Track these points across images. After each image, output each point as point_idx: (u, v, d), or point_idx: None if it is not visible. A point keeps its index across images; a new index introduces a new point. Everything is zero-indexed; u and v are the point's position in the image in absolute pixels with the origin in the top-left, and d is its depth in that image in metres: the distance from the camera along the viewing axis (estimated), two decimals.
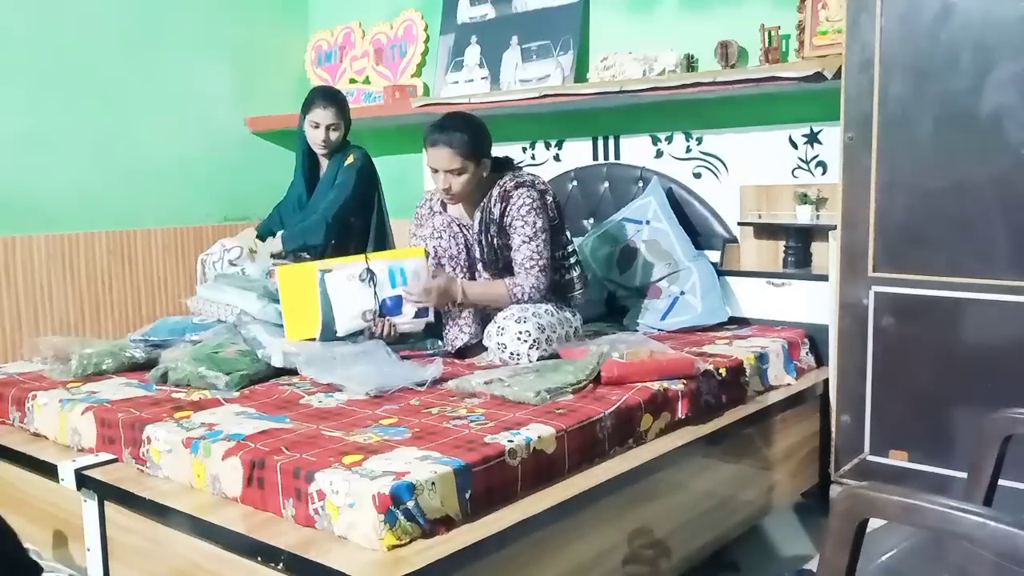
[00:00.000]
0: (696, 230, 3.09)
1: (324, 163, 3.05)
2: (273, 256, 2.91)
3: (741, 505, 2.30)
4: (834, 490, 2.45)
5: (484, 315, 2.46)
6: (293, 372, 2.28)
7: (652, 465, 1.92)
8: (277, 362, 2.26)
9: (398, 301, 2.38)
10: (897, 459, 2.31)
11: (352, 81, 4.14)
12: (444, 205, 2.58)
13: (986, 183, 2.12)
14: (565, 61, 3.37)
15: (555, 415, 1.86)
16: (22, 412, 2.17)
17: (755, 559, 2.37)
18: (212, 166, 3.94)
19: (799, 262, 2.88)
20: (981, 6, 2.09)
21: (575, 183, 3.41)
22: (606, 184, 3.33)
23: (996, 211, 2.11)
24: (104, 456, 1.91)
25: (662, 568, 1.99)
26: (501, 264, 2.46)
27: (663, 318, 2.87)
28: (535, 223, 2.42)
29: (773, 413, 2.40)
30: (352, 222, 2.97)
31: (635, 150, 3.28)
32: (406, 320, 2.40)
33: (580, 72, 3.35)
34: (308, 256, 2.88)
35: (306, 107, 2.96)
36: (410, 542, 1.45)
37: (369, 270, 2.22)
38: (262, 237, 3.05)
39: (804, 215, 2.81)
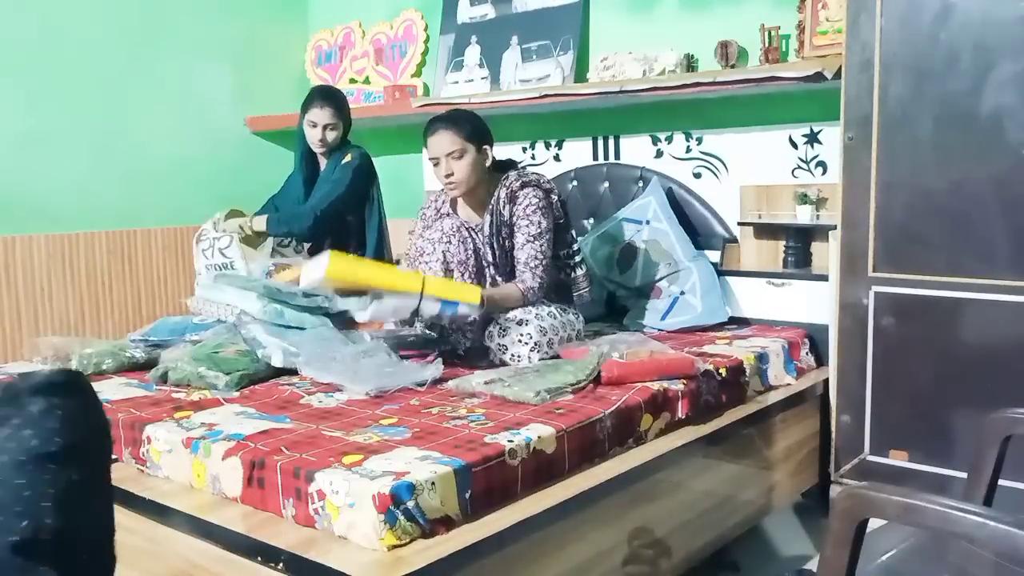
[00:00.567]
0: (696, 230, 3.09)
1: (323, 162, 3.06)
2: (256, 233, 2.92)
3: (741, 505, 2.30)
4: (834, 490, 2.45)
5: (486, 318, 2.45)
6: (293, 372, 2.28)
7: (652, 465, 1.92)
8: (277, 362, 2.26)
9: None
10: (897, 459, 2.30)
11: (352, 81, 4.14)
12: (454, 206, 2.58)
13: (986, 183, 2.12)
14: (565, 61, 3.37)
15: (555, 415, 1.86)
16: None
17: (755, 559, 2.37)
18: (212, 166, 3.94)
19: (799, 262, 2.88)
20: (981, 6, 2.09)
21: (575, 183, 3.41)
22: (606, 184, 3.33)
23: (996, 211, 2.11)
24: None
25: (662, 568, 1.99)
26: (510, 268, 2.45)
27: (663, 318, 2.87)
28: (540, 223, 2.42)
29: (773, 413, 2.40)
30: (349, 220, 2.98)
31: (635, 150, 3.28)
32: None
33: (580, 72, 3.35)
34: (293, 244, 2.89)
35: (305, 106, 2.98)
36: (410, 542, 1.45)
37: (417, 313, 2.02)
38: None
39: (804, 215, 2.81)
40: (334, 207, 2.91)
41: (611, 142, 3.34)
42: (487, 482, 1.59)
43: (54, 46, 3.40)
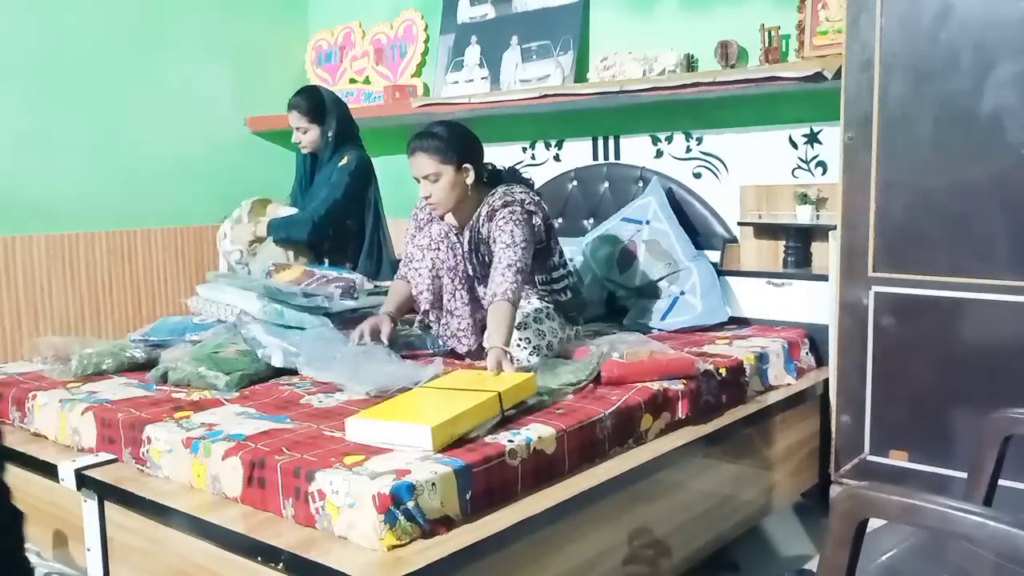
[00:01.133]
0: (696, 230, 3.09)
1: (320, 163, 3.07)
2: (259, 240, 2.94)
3: (741, 505, 2.30)
4: (834, 490, 2.45)
5: (483, 324, 2.41)
6: (293, 372, 2.28)
7: (652, 465, 1.92)
8: (277, 362, 2.26)
9: None
10: (897, 459, 2.30)
11: (352, 81, 4.14)
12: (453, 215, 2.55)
13: (986, 183, 2.12)
14: (565, 61, 3.37)
15: (555, 415, 1.86)
16: (22, 412, 2.17)
17: (755, 559, 2.37)
18: (212, 166, 3.94)
19: (799, 262, 2.88)
20: (981, 6, 2.09)
21: (575, 183, 3.41)
22: (606, 184, 3.33)
23: (996, 211, 2.11)
24: (104, 456, 1.91)
25: (662, 568, 1.99)
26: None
27: (663, 318, 2.87)
28: (513, 232, 2.27)
29: (773, 413, 2.39)
30: (348, 223, 2.98)
31: (635, 150, 3.28)
32: None
33: (580, 72, 3.35)
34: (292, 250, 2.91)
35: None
36: (410, 542, 1.45)
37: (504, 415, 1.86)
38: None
39: (804, 215, 2.81)
40: (331, 212, 2.92)
41: (611, 142, 3.34)
42: (487, 482, 1.59)
43: (54, 46, 3.40)
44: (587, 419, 1.86)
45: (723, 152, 3.08)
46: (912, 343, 2.27)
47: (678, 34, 3.14)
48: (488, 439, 1.69)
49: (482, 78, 3.62)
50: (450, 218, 2.49)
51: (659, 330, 2.83)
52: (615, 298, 3.08)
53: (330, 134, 2.99)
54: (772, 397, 2.44)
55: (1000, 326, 2.12)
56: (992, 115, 2.09)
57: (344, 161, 2.96)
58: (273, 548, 1.46)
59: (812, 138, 2.87)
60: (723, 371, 2.29)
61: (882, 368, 2.32)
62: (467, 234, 2.41)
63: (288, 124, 3.02)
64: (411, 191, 3.94)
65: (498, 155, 3.16)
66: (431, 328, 2.51)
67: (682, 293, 2.89)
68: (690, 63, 3.04)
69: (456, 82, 3.70)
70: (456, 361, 2.41)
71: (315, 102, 2.99)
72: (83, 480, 1.83)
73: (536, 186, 2.60)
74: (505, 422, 1.79)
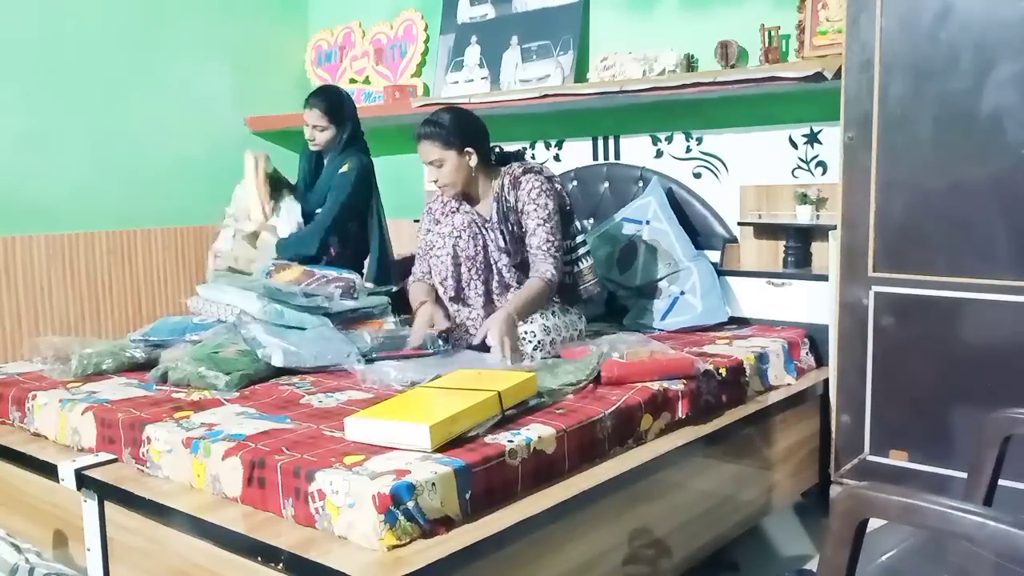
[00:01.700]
0: (696, 230, 3.09)
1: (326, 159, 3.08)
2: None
3: (741, 505, 2.30)
4: (834, 490, 2.45)
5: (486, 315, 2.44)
6: (293, 372, 2.28)
7: (652, 465, 1.92)
8: (277, 362, 2.26)
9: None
10: (897, 459, 2.31)
11: (352, 81, 4.14)
12: (465, 200, 2.59)
13: (986, 183, 2.12)
14: (565, 61, 3.37)
15: (555, 415, 1.86)
16: (22, 412, 2.17)
17: (755, 559, 2.37)
18: (212, 166, 3.93)
19: (799, 262, 2.88)
20: (981, 6, 2.09)
21: (575, 183, 3.40)
22: (606, 184, 3.33)
23: (996, 211, 2.11)
24: (104, 456, 1.91)
25: (662, 568, 1.99)
26: (520, 257, 2.46)
27: (663, 318, 2.87)
28: (547, 205, 2.45)
29: (773, 413, 2.39)
30: (350, 227, 2.98)
31: (635, 150, 3.28)
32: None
33: (580, 72, 3.35)
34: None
35: (304, 106, 3.02)
36: (410, 542, 1.44)
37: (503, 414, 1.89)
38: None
39: (804, 215, 2.81)
40: (337, 223, 2.93)
41: (611, 142, 3.34)
42: (487, 482, 1.59)
43: (54, 46, 3.40)
44: (587, 419, 1.86)
45: (723, 152, 3.08)
46: (912, 343, 2.27)
47: (678, 34, 3.14)
48: (488, 439, 1.69)
49: (482, 78, 3.62)
50: (467, 206, 2.52)
51: (659, 330, 2.83)
52: (615, 298, 3.08)
53: (344, 136, 3.01)
54: (772, 397, 2.44)
55: (1000, 326, 2.12)
56: (992, 115, 2.09)
57: (345, 169, 2.95)
58: (273, 548, 1.46)
59: (812, 138, 2.87)
60: (723, 371, 2.29)
61: (882, 368, 2.32)
62: (493, 206, 2.49)
63: (302, 121, 3.01)
64: (411, 191, 3.96)
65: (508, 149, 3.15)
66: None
67: (682, 293, 2.89)
68: (690, 63, 3.04)
69: (456, 82, 3.70)
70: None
71: (336, 103, 3.01)
72: (83, 480, 1.83)
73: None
74: (505, 422, 1.79)
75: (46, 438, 2.10)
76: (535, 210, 2.44)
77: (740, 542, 2.33)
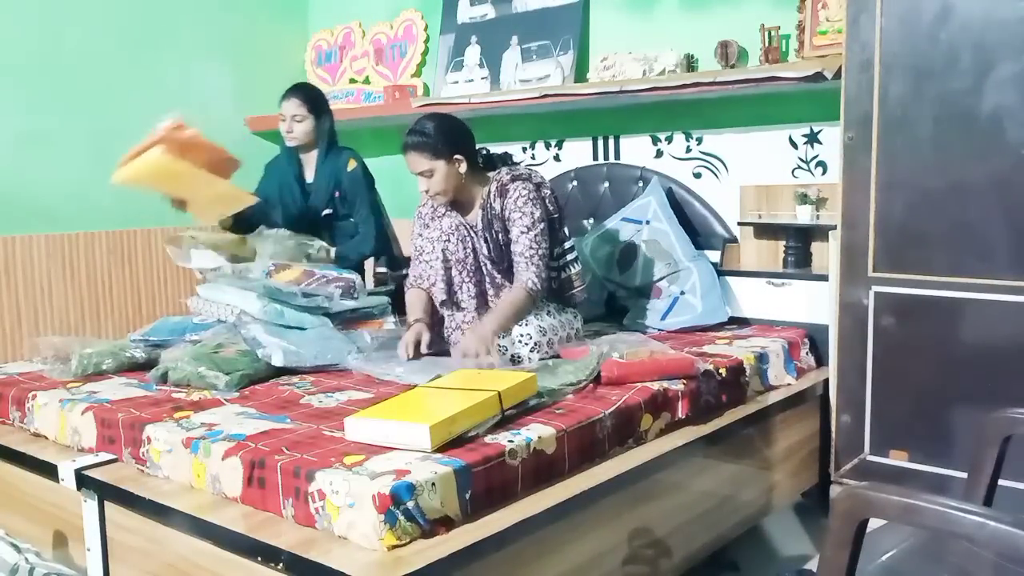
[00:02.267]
0: (696, 230, 3.09)
1: (308, 167, 3.04)
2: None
3: (741, 505, 2.30)
4: (834, 490, 2.45)
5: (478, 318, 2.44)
6: (293, 372, 2.28)
7: (652, 465, 1.92)
8: (277, 361, 2.26)
9: None
10: (897, 459, 2.31)
11: (352, 81, 4.14)
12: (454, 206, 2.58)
13: (986, 183, 2.12)
14: (565, 61, 3.37)
15: (555, 415, 1.86)
16: (22, 412, 2.17)
17: (755, 559, 2.37)
18: None
19: (799, 262, 2.88)
20: (981, 6, 2.09)
21: (575, 183, 3.41)
22: (606, 184, 3.33)
23: (996, 211, 2.11)
24: (104, 456, 1.91)
25: (662, 568, 1.99)
26: (506, 263, 2.45)
27: (663, 318, 2.87)
28: (532, 213, 2.40)
29: (773, 413, 2.39)
30: (352, 221, 3.01)
31: (635, 150, 3.28)
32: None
33: (580, 72, 3.35)
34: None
35: (280, 101, 3.00)
36: (410, 542, 1.45)
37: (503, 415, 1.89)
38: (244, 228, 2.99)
39: (804, 215, 2.81)
40: (377, 217, 3.00)
41: (611, 142, 3.34)
42: (487, 482, 1.59)
43: (54, 46, 3.40)
44: (587, 419, 1.86)
45: (723, 152, 3.08)
46: (912, 343, 2.27)
47: (678, 34, 3.14)
48: (488, 439, 1.69)
49: (482, 78, 3.62)
50: (461, 210, 2.52)
51: (659, 330, 2.83)
52: (615, 298, 3.09)
53: (324, 128, 3.00)
54: (772, 397, 2.44)
55: (1000, 326, 2.12)
56: (992, 115, 2.09)
57: (352, 166, 2.98)
58: (273, 548, 1.46)
59: (812, 138, 2.87)
60: (723, 371, 2.29)
61: (882, 368, 2.32)
62: (479, 213, 2.47)
63: (280, 116, 2.98)
64: (411, 191, 3.94)
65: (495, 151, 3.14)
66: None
67: (682, 293, 2.89)
68: (690, 63, 3.04)
69: (456, 82, 3.70)
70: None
71: (313, 94, 3.02)
72: (83, 480, 1.83)
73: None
74: (505, 422, 1.79)
75: (46, 438, 2.10)
76: (520, 218, 2.40)
77: (740, 542, 2.33)
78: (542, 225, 2.43)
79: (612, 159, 3.35)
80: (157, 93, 3.72)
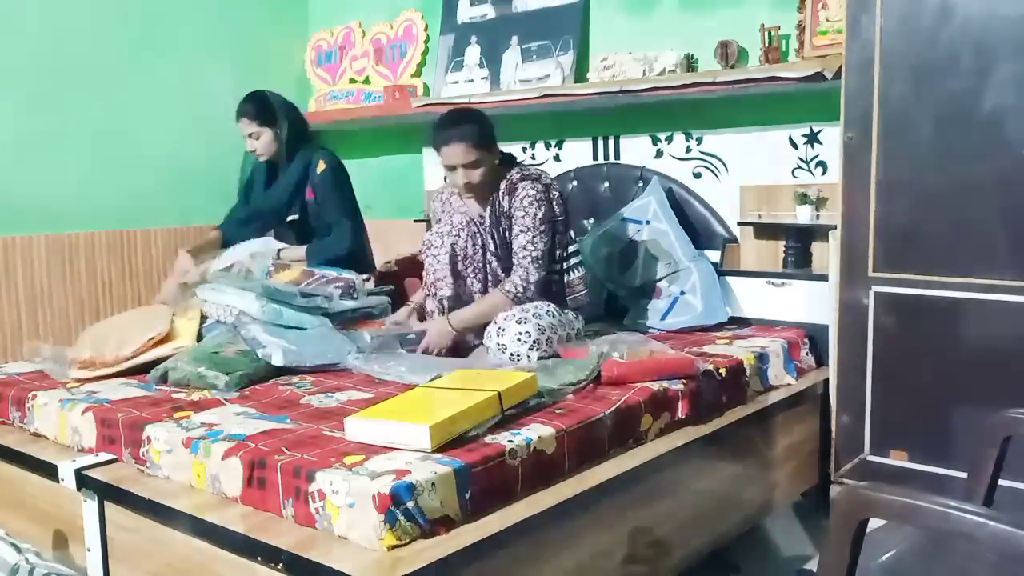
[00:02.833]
0: (696, 230, 3.09)
1: (281, 167, 3.03)
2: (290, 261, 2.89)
3: (741, 505, 2.30)
4: (834, 490, 2.45)
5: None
6: (293, 372, 2.28)
7: (652, 465, 1.92)
8: (277, 361, 2.26)
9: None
10: (897, 459, 2.31)
11: (352, 81, 4.14)
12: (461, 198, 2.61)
13: (986, 183, 2.12)
14: (565, 61, 3.37)
15: (555, 415, 1.86)
16: (22, 412, 2.17)
17: (755, 559, 2.37)
18: (212, 166, 3.93)
19: (799, 262, 2.88)
20: (981, 6, 2.09)
21: (575, 183, 3.40)
22: (606, 184, 3.33)
23: (996, 211, 2.11)
24: (104, 456, 1.91)
25: (662, 568, 1.99)
26: (508, 262, 2.48)
27: (663, 318, 2.87)
28: (535, 214, 2.44)
29: (773, 413, 2.39)
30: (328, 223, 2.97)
31: (635, 150, 3.28)
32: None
33: (580, 72, 3.35)
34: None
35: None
36: (410, 542, 1.44)
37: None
38: (228, 243, 3.02)
39: (804, 215, 2.81)
40: (352, 216, 2.97)
41: (611, 142, 3.34)
42: (487, 482, 1.59)
43: (54, 46, 3.40)
44: (587, 419, 1.86)
45: (723, 152, 3.07)
46: (912, 343, 2.27)
47: (678, 34, 3.14)
48: (488, 439, 1.69)
49: (482, 78, 3.62)
50: (473, 204, 2.53)
51: (659, 330, 2.83)
52: (615, 298, 3.08)
53: (284, 135, 2.96)
54: (772, 397, 2.44)
55: (1000, 326, 2.12)
56: (992, 115, 2.09)
57: (321, 168, 2.93)
58: (273, 548, 1.46)
59: (812, 138, 2.87)
60: (723, 371, 2.29)
61: (882, 368, 2.32)
62: (488, 209, 2.50)
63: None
64: (411, 191, 3.96)
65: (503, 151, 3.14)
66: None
67: (682, 293, 2.89)
68: (690, 63, 3.04)
69: (456, 82, 3.70)
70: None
71: (262, 105, 2.96)
72: (83, 480, 1.83)
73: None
74: (505, 422, 1.79)
75: (46, 438, 2.10)
76: (522, 217, 2.44)
77: (740, 542, 2.33)
78: (544, 227, 2.45)
79: (612, 159, 3.35)
80: (157, 93, 3.73)
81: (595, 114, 3.39)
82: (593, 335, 2.58)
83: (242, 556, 1.52)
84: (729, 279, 2.95)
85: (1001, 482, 1.43)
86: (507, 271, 2.48)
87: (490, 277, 2.49)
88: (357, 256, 2.98)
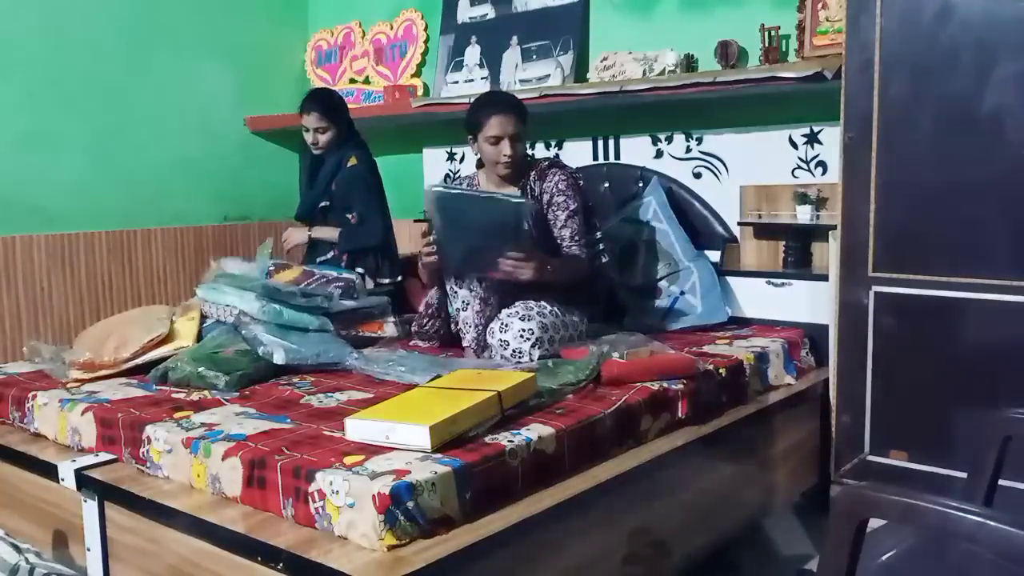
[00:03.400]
0: (696, 230, 3.09)
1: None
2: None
3: (741, 505, 2.30)
4: (834, 490, 2.45)
5: (490, 315, 2.44)
6: (293, 372, 2.28)
7: (652, 465, 1.92)
8: (279, 359, 2.25)
9: None
10: (897, 459, 2.30)
11: (352, 81, 4.14)
12: (479, 187, 2.65)
13: (986, 183, 2.12)
14: (565, 61, 3.37)
15: (555, 415, 1.86)
16: (22, 412, 2.17)
17: (755, 559, 2.37)
18: (212, 166, 3.94)
19: (799, 262, 2.88)
20: (981, 6, 2.09)
21: None
22: (606, 184, 3.33)
23: (996, 211, 2.11)
24: (104, 456, 1.91)
25: (662, 568, 1.99)
26: (539, 247, 2.47)
27: (663, 318, 2.87)
28: (575, 199, 2.55)
29: (773, 413, 2.39)
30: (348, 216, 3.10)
31: (635, 150, 3.28)
32: None
33: (580, 72, 3.35)
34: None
35: (300, 112, 3.12)
36: (410, 542, 1.44)
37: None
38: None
39: (804, 215, 2.81)
40: (381, 210, 3.11)
41: (611, 142, 3.34)
42: (487, 482, 1.59)
43: (54, 46, 3.40)
44: (587, 419, 1.86)
45: (723, 152, 3.07)
46: (912, 343, 2.27)
47: (678, 34, 3.14)
48: (488, 439, 1.69)
49: (482, 78, 3.62)
50: (504, 189, 2.57)
51: (659, 330, 2.83)
52: (615, 298, 3.08)
53: (343, 133, 3.12)
54: (772, 397, 2.44)
55: (1000, 326, 2.12)
56: (992, 115, 2.09)
57: (352, 163, 3.08)
58: (273, 548, 1.46)
59: (812, 138, 2.87)
60: (723, 371, 2.29)
61: (882, 368, 2.31)
62: (519, 193, 2.55)
63: (301, 124, 3.10)
64: (411, 191, 3.95)
65: None
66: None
67: (682, 293, 2.89)
68: (690, 63, 3.04)
69: (456, 82, 3.70)
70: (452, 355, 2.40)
71: (333, 103, 3.12)
72: (83, 480, 1.83)
73: None
74: (505, 422, 1.79)
75: (46, 438, 2.10)
76: (564, 201, 2.53)
77: (740, 542, 2.33)
78: (581, 215, 2.55)
79: (612, 159, 3.35)
80: (157, 93, 3.73)
81: (595, 114, 3.39)
82: (593, 335, 2.57)
83: (242, 556, 1.52)
84: (729, 279, 2.95)
85: (1001, 482, 1.43)
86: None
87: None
88: (385, 252, 3.12)
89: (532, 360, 2.29)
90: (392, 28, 4.03)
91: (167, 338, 2.40)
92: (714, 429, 2.15)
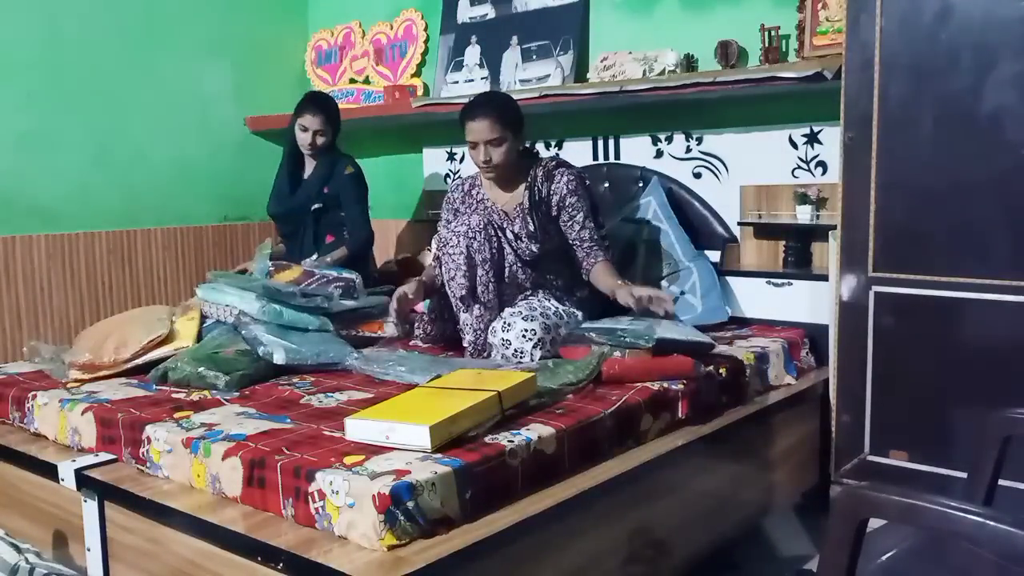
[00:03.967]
0: (696, 230, 3.08)
1: (308, 163, 3.23)
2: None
3: (741, 505, 2.30)
4: (834, 490, 2.44)
5: (490, 318, 2.44)
6: (293, 372, 2.28)
7: (652, 465, 1.92)
8: (279, 359, 2.25)
9: None
10: (897, 459, 2.30)
11: (352, 81, 4.14)
12: (482, 187, 2.64)
13: (986, 183, 2.12)
14: (565, 61, 3.37)
15: (555, 415, 1.86)
16: (22, 412, 2.17)
17: (755, 559, 2.37)
18: (212, 166, 3.93)
19: (799, 262, 2.88)
20: (981, 6, 2.09)
21: None
22: (606, 184, 3.33)
23: (996, 211, 2.11)
24: (104, 456, 1.92)
25: (662, 568, 1.99)
26: (545, 247, 2.49)
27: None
28: (587, 198, 2.56)
29: (773, 413, 2.39)
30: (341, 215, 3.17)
31: (635, 150, 3.28)
32: None
33: (580, 72, 3.35)
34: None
35: (298, 110, 3.17)
36: (410, 542, 1.45)
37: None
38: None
39: (804, 215, 2.81)
40: (366, 219, 3.18)
41: (611, 142, 3.34)
42: (487, 482, 1.59)
43: (54, 46, 3.40)
44: (587, 419, 1.86)
45: (723, 152, 3.07)
46: (912, 343, 2.27)
47: (678, 34, 3.14)
48: (488, 439, 1.69)
49: (482, 78, 3.62)
50: (492, 193, 2.54)
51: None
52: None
53: (335, 140, 3.22)
54: (772, 397, 2.44)
55: (1000, 326, 2.12)
56: (992, 115, 2.09)
57: (351, 170, 3.16)
58: (273, 548, 1.46)
59: (812, 138, 2.87)
60: (723, 371, 2.29)
61: (882, 368, 2.31)
62: (526, 193, 2.55)
63: (298, 122, 3.15)
64: (411, 191, 3.96)
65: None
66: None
67: (682, 293, 2.89)
68: (690, 63, 3.04)
69: (456, 82, 3.70)
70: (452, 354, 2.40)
71: (336, 111, 3.21)
72: (83, 480, 1.83)
73: None
74: (505, 422, 1.79)
75: (46, 438, 2.10)
76: (578, 202, 2.53)
77: (740, 542, 2.33)
78: (592, 213, 2.57)
79: (612, 159, 3.35)
80: (157, 93, 3.73)
81: (595, 114, 3.39)
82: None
83: (242, 556, 1.52)
84: (729, 279, 2.95)
85: (1001, 482, 1.43)
86: (528, 266, 2.49)
87: (505, 280, 2.47)
88: (365, 257, 3.17)
89: (533, 360, 2.29)
90: (392, 28, 4.03)
91: (167, 338, 2.40)
92: (714, 429, 2.15)
